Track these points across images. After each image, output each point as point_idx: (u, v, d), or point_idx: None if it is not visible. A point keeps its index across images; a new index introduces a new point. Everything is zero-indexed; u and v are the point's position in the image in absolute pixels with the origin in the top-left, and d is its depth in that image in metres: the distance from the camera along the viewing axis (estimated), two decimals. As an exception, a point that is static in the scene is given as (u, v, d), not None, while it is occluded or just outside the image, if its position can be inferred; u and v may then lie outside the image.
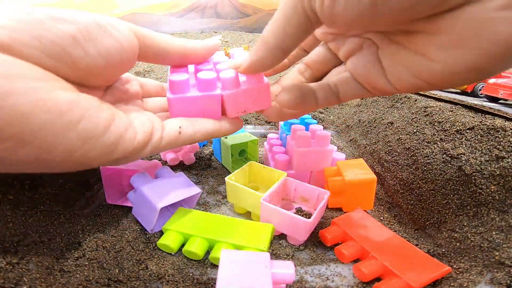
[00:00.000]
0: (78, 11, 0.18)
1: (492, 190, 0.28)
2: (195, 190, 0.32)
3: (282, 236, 0.31)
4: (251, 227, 0.29)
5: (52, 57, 0.16)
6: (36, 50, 0.16)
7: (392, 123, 0.46)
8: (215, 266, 0.27)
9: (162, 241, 0.28)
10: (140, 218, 0.31)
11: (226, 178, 0.33)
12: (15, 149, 0.15)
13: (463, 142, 0.32)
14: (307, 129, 0.40)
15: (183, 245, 0.28)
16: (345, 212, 0.35)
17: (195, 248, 0.27)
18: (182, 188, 0.31)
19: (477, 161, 0.30)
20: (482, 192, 0.28)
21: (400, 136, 0.42)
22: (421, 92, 0.49)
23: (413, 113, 0.43)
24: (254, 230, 0.29)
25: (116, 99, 0.26)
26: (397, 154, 0.40)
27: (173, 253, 0.28)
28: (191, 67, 0.27)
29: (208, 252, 0.28)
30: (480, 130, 0.31)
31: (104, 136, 0.18)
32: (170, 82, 0.23)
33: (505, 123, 0.30)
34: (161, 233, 0.29)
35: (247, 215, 0.35)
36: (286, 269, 0.21)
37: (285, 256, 0.28)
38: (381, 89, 0.18)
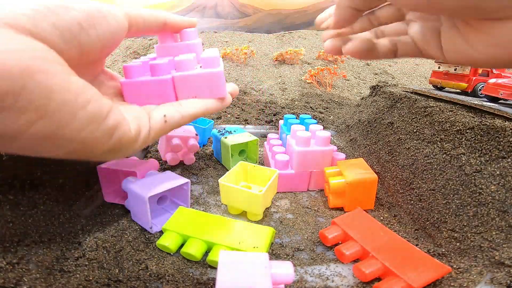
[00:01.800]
0: (83, 0, 0.20)
1: (492, 190, 0.28)
2: (183, 180, 0.32)
3: (282, 237, 0.31)
4: (250, 230, 0.29)
5: (67, 42, 0.18)
6: (55, 36, 0.18)
7: (392, 123, 0.46)
8: (215, 266, 0.27)
9: (161, 242, 0.28)
10: (138, 219, 0.31)
11: (219, 180, 0.33)
12: (35, 122, 0.16)
13: (463, 142, 0.32)
14: (307, 129, 0.40)
15: (182, 245, 0.28)
16: (345, 212, 0.35)
17: (193, 250, 0.27)
18: (169, 180, 0.32)
19: (477, 161, 0.30)
20: (482, 192, 0.28)
21: (400, 136, 0.42)
22: (421, 92, 0.49)
23: (413, 113, 0.43)
24: (253, 233, 0.28)
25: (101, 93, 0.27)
26: (397, 154, 0.40)
27: (172, 253, 0.28)
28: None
29: (206, 254, 0.28)
30: (480, 130, 0.31)
31: (106, 120, 0.19)
32: (124, 68, 0.25)
33: (505, 123, 0.30)
34: (161, 233, 0.30)
35: (243, 214, 0.35)
36: (286, 269, 0.21)
37: (285, 256, 0.28)
38: (432, 56, 0.22)
